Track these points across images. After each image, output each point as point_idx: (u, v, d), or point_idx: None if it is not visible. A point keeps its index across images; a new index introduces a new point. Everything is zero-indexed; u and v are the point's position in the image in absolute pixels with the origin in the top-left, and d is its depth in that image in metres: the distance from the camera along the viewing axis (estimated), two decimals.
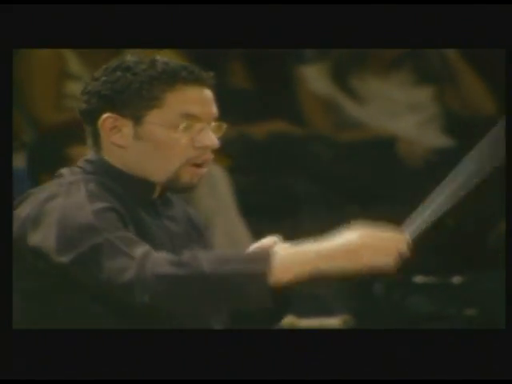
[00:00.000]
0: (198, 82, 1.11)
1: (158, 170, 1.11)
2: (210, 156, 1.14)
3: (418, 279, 3.70)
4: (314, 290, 3.36)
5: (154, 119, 1.09)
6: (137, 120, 1.10)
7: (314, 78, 7.70)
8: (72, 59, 4.30)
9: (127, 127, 1.10)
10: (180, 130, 1.09)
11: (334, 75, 7.73)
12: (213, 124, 1.13)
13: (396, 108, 7.30)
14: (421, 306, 3.71)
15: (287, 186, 6.10)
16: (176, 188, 1.15)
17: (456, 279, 3.69)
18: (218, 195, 4.70)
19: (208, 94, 1.13)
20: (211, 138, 1.12)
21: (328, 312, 3.56)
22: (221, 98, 1.22)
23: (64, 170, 1.14)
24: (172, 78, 1.09)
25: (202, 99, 1.12)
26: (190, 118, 1.10)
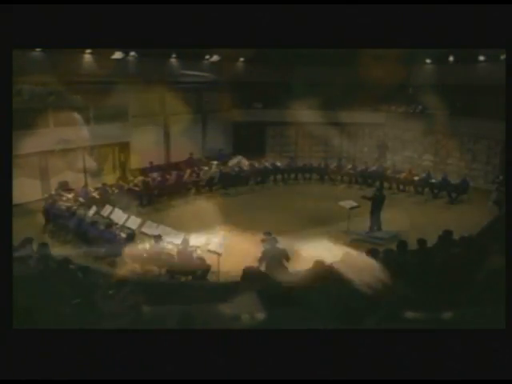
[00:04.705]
0: None
1: None
2: None
3: (408, 315, 3.65)
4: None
5: None
6: None
7: (304, 110, 7.76)
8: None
9: None
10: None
11: (324, 108, 7.79)
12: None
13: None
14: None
15: None
16: None
17: (446, 315, 3.64)
18: None
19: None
20: None
21: None
22: None
23: None
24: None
25: None
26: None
